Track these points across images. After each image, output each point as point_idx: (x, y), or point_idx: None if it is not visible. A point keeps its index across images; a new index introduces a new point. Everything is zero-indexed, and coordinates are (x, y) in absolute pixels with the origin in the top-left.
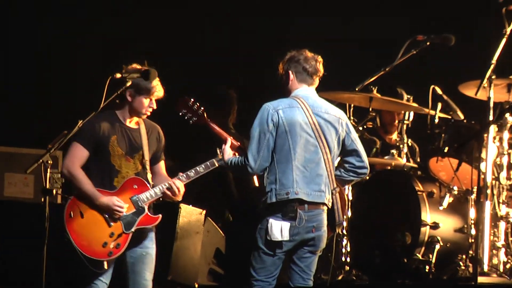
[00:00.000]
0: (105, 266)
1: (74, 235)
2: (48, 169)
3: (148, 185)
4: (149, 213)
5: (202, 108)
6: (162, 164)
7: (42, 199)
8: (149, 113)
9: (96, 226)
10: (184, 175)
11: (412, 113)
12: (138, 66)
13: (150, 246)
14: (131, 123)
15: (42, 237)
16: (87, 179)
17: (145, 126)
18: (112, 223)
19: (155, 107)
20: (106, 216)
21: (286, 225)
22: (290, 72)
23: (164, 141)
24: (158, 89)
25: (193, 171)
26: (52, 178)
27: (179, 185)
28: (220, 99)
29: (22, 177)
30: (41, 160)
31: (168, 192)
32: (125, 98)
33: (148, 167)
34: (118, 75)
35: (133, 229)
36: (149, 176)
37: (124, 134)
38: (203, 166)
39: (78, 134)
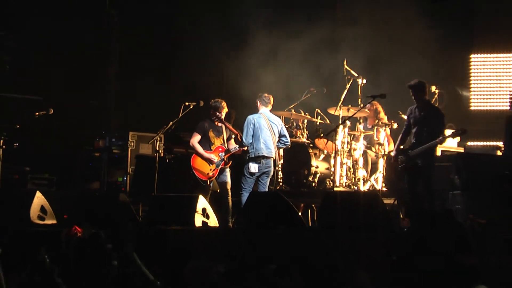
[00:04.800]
0: (208, 183)
1: (195, 171)
2: (158, 142)
3: (226, 148)
4: (225, 160)
5: (222, 117)
6: (232, 140)
7: (155, 155)
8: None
9: (204, 166)
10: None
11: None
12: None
13: (227, 177)
14: (217, 124)
15: (156, 169)
16: (200, 147)
17: (224, 125)
18: (210, 165)
19: (223, 117)
20: (208, 162)
21: (256, 165)
22: (259, 102)
23: (232, 131)
24: (224, 109)
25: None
26: (159, 146)
27: (240, 147)
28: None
29: (146, 145)
30: (154, 138)
31: (236, 151)
32: (212, 113)
33: (225, 141)
34: (187, 103)
35: (220, 167)
36: (225, 145)
37: (214, 128)
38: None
39: (196, 128)
